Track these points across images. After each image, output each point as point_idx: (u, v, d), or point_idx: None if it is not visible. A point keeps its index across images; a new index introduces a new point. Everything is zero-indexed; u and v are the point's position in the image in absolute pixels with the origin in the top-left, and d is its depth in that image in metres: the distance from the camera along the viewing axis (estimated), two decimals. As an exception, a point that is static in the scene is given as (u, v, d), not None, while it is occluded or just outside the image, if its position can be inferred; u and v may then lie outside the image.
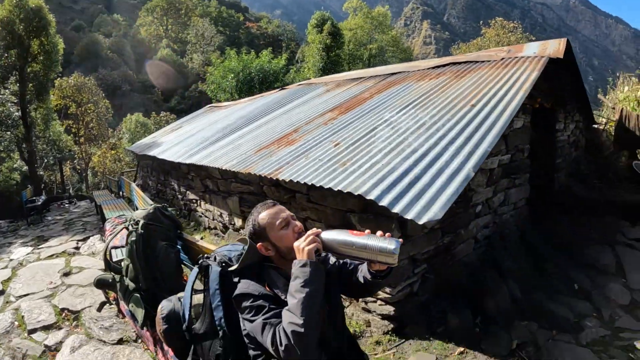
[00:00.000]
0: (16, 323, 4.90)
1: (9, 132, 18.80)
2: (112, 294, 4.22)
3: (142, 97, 54.39)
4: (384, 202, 3.12)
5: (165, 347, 2.44)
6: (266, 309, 1.68)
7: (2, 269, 7.13)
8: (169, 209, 3.82)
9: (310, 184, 3.75)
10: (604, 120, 9.71)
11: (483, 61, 5.67)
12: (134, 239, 3.35)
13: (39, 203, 13.67)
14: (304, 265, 1.65)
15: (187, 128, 11.63)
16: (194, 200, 8.16)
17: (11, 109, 18.95)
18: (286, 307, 1.62)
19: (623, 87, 10.88)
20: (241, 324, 1.78)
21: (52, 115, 23.09)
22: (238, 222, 6.36)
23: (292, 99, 8.47)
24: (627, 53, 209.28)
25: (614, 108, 9.56)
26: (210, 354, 1.89)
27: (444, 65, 6.17)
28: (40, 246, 8.69)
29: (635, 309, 4.67)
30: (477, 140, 3.68)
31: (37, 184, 19.57)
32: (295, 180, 3.92)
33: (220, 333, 1.85)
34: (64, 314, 5.02)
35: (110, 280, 3.72)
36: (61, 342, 4.45)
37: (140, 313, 3.22)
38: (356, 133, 4.57)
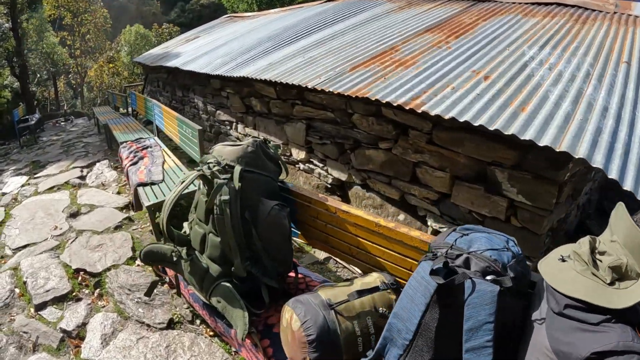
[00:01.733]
0: (17, 291, 3.57)
1: (-3, 46, 17.55)
2: (169, 272, 2.97)
3: (139, 9, 52.20)
4: (612, 173, 2.32)
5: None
6: None
7: (-8, 207, 5.72)
8: (271, 144, 2.43)
9: (493, 128, 2.67)
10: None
11: (593, 10, 5.09)
12: (225, 198, 2.03)
13: (33, 122, 12.33)
14: None
15: (209, 38, 10.20)
16: (226, 122, 6.98)
17: (0, 19, 17.61)
18: None
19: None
20: None
21: (46, 26, 22.55)
22: (298, 154, 5.14)
23: (349, 13, 7.15)
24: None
25: None
26: None
27: (547, 4, 5.38)
28: (37, 175, 7.18)
29: None
30: None
31: (30, 101, 18.50)
32: (461, 119, 2.78)
33: None
34: (80, 278, 3.68)
35: (169, 255, 2.41)
36: (84, 325, 3.17)
37: (241, 319, 2.09)
38: (503, 68, 3.47)
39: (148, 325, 3.11)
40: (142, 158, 5.16)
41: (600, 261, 1.28)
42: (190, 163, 6.03)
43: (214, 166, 2.16)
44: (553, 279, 1.35)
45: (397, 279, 2.14)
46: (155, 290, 3.44)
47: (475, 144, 3.17)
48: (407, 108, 3.06)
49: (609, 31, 4.31)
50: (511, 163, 3.04)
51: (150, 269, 3.75)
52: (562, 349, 1.22)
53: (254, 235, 2.18)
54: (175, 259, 2.38)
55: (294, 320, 1.86)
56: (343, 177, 4.53)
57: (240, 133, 6.53)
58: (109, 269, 3.78)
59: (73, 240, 4.30)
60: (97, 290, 3.53)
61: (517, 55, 3.66)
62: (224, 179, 2.08)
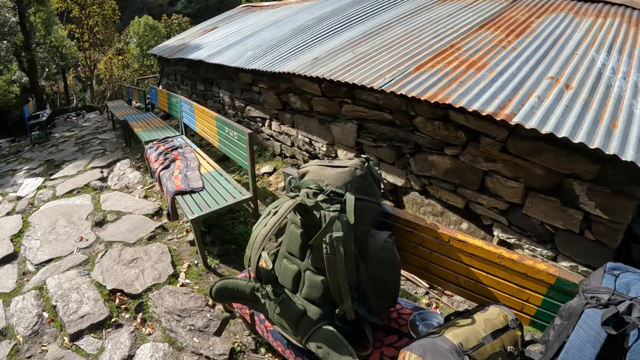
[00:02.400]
0: (46, 315, 3.26)
1: (5, 41, 17.32)
2: (237, 305, 2.60)
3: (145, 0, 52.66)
4: None
5: None
6: None
7: (7, 214, 5.37)
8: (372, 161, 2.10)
9: (594, 147, 2.56)
10: None
11: None
12: (339, 235, 1.72)
13: (44, 118, 12.11)
14: None
15: (230, 29, 9.91)
16: (258, 119, 6.67)
17: (7, 14, 17.23)
18: None
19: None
20: None
21: (54, 19, 22.14)
22: (345, 156, 4.76)
23: (389, 4, 6.79)
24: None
25: None
26: None
27: (594, 2, 5.11)
28: (53, 176, 6.83)
29: None
30: None
31: (40, 96, 18.20)
32: (561, 136, 2.65)
33: None
34: (117, 300, 3.35)
35: (249, 292, 2.10)
36: (131, 358, 2.84)
37: None
38: (580, 75, 3.30)
39: (207, 358, 2.80)
40: (173, 161, 4.82)
41: None
42: (220, 162, 5.69)
43: (317, 194, 1.79)
44: None
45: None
46: (203, 309, 3.13)
47: (553, 154, 3.05)
48: (498, 119, 2.89)
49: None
50: (591, 177, 2.95)
51: (199, 288, 3.42)
52: None
53: (361, 271, 1.90)
54: (261, 299, 2.03)
55: None
56: (399, 182, 4.25)
57: (274, 130, 6.25)
58: (149, 289, 3.46)
59: (103, 254, 3.97)
60: (140, 315, 3.21)
61: (588, 61, 3.50)
62: (333, 210, 1.73)
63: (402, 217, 2.23)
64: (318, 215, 1.80)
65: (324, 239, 1.74)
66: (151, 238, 4.27)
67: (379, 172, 2.14)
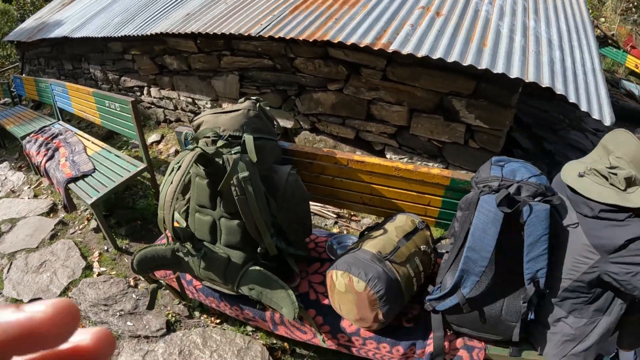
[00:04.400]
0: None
1: None
2: (159, 274, 2.67)
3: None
4: (572, 98, 2.68)
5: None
6: None
7: None
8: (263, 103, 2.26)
9: (467, 64, 2.87)
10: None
11: None
12: (245, 174, 1.86)
13: None
14: None
15: None
16: (135, 88, 6.54)
17: None
18: None
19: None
20: (615, 268, 1.69)
21: None
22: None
23: None
24: None
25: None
26: (503, 314, 1.92)
27: None
28: None
29: None
30: (584, 38, 3.49)
31: None
32: (437, 57, 2.92)
33: (532, 288, 1.82)
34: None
35: (170, 256, 2.18)
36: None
37: (286, 299, 2.01)
38: (450, 3, 3.63)
39: (146, 337, 2.86)
40: (56, 149, 4.66)
41: (615, 174, 1.73)
42: (106, 140, 5.54)
43: (215, 141, 1.91)
44: (586, 191, 1.79)
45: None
46: (133, 295, 3.17)
47: (432, 77, 3.40)
48: (375, 49, 3.10)
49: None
50: (468, 92, 3.35)
51: (117, 272, 3.44)
52: (600, 242, 1.71)
53: (272, 206, 2.07)
54: (184, 258, 2.14)
55: (355, 282, 1.93)
56: (289, 124, 4.47)
57: (155, 97, 6.17)
58: (67, 288, 3.40)
59: (9, 268, 3.78)
60: None
61: None
62: (235, 153, 1.86)
63: (301, 150, 2.43)
64: (221, 162, 1.91)
65: (232, 182, 1.87)
66: (53, 237, 4.15)
67: (269, 109, 2.29)
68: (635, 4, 19.60)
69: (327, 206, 3.86)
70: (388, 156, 3.93)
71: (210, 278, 2.17)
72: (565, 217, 1.88)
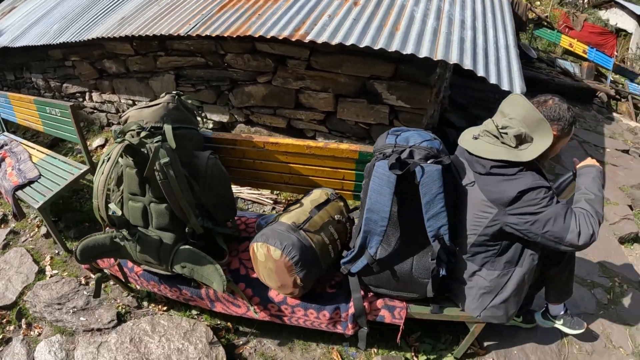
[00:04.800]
0: None
1: None
2: (103, 264, 2.82)
3: None
4: (480, 72, 2.92)
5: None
6: (555, 198, 1.90)
7: None
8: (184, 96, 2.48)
9: (378, 48, 3.10)
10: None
11: None
12: (166, 160, 2.05)
13: None
14: (602, 173, 2.11)
15: (31, 5, 9.08)
16: (77, 94, 6.56)
17: None
18: (588, 196, 1.99)
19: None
20: (513, 219, 1.92)
21: None
22: None
23: None
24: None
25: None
26: (414, 272, 2.12)
27: None
28: None
29: (558, 159, 6.02)
30: (501, 18, 3.75)
31: None
32: (349, 44, 3.14)
33: (438, 244, 1.98)
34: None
35: (109, 243, 2.37)
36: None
37: (214, 273, 2.22)
38: None
39: (99, 330, 3.02)
40: (2, 160, 4.72)
41: (506, 133, 1.92)
42: (51, 148, 5.59)
43: (140, 132, 2.10)
44: (477, 150, 2.00)
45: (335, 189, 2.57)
46: (85, 292, 3.31)
47: (353, 63, 3.63)
48: (293, 40, 3.31)
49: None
50: (388, 75, 3.60)
51: (68, 272, 3.57)
52: (496, 196, 1.93)
53: (196, 189, 2.26)
54: (121, 244, 2.32)
55: (272, 251, 2.12)
56: (225, 119, 4.69)
57: (96, 102, 6.22)
58: (22, 293, 3.49)
59: None
60: (24, 321, 3.25)
61: None
62: (156, 142, 2.06)
63: (221, 137, 2.66)
64: (146, 151, 2.10)
65: (155, 168, 2.07)
66: (5, 246, 4.20)
67: (190, 102, 2.51)
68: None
69: (262, 192, 4.08)
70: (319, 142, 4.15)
71: (146, 260, 2.37)
72: (464, 178, 2.08)
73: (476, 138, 2.04)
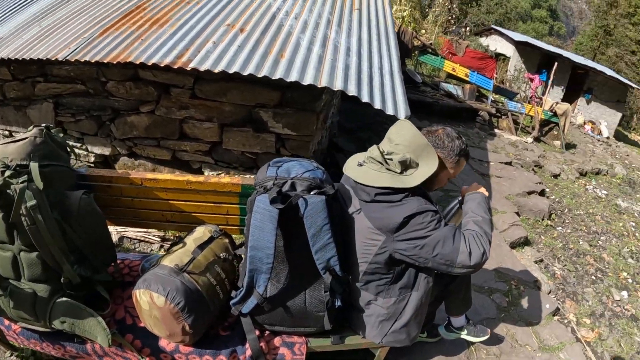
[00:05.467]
0: None
1: None
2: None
3: None
4: (365, 97, 3.05)
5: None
6: (442, 222, 1.96)
7: None
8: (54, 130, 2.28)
9: (261, 75, 3.11)
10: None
11: None
12: (32, 203, 1.85)
13: None
14: (486, 198, 2.23)
15: None
16: None
17: None
18: (476, 218, 2.07)
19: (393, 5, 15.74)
20: (402, 245, 1.93)
21: None
22: None
23: None
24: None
25: (393, 23, 12.29)
26: (308, 306, 2.07)
27: None
28: None
29: None
30: (386, 45, 3.90)
31: None
32: (233, 71, 3.12)
33: (329, 276, 1.95)
34: None
35: None
36: None
37: (97, 327, 2.04)
38: (255, 19, 3.88)
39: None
40: None
41: (391, 159, 1.94)
42: None
43: (4, 171, 1.90)
44: (361, 178, 2.01)
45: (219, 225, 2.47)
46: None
47: (238, 91, 3.66)
48: (175, 67, 3.21)
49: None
50: (274, 103, 3.66)
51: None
52: (382, 223, 1.93)
53: (69, 233, 2.05)
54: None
55: (155, 298, 1.96)
56: (107, 151, 4.42)
57: (-34, 133, 5.62)
58: None
59: None
60: None
61: (265, 7, 4.08)
62: (22, 182, 1.86)
63: (96, 174, 2.45)
64: (11, 193, 1.87)
65: (21, 212, 1.85)
66: None
67: (62, 136, 2.27)
68: (455, 17, 22.13)
69: (149, 230, 3.87)
70: (206, 173, 4.09)
71: (22, 317, 2.09)
72: (350, 206, 2.07)
73: (361, 165, 2.05)
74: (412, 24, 17.42)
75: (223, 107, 3.77)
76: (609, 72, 20.48)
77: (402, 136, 1.98)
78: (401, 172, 1.94)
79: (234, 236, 2.51)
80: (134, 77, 3.89)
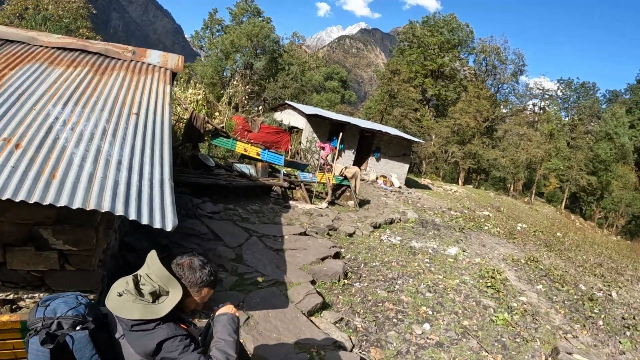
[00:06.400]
0: None
1: None
2: None
3: None
4: (132, 216, 3.25)
5: None
6: (193, 345, 2.21)
7: None
8: None
9: (33, 201, 3.13)
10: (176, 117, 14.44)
11: (114, 57, 6.17)
12: None
13: None
14: (234, 318, 2.46)
15: None
16: None
17: None
18: (219, 343, 2.28)
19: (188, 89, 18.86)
20: None
21: None
22: None
23: None
24: (164, 43, 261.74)
25: (186, 108, 15.87)
26: None
27: (73, 50, 6.03)
28: None
29: (241, 259, 6.79)
30: (159, 152, 4.15)
31: None
32: (5, 198, 3.09)
33: None
34: None
35: None
36: None
37: None
38: (32, 132, 3.83)
39: None
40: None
41: (143, 290, 2.19)
42: None
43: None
44: (117, 310, 2.19)
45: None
46: None
47: (17, 210, 3.59)
48: None
49: (124, 82, 5.17)
50: (52, 220, 3.72)
51: None
52: (141, 349, 2.15)
53: None
54: None
55: None
56: None
57: None
58: None
59: None
60: None
61: (43, 116, 4.08)
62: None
63: None
64: None
65: None
66: None
67: None
68: (254, 93, 23.07)
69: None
70: (-7, 297, 3.86)
71: None
72: (117, 331, 2.27)
73: (120, 295, 2.21)
74: (205, 108, 18.20)
75: (3, 226, 3.69)
76: (393, 131, 23.78)
77: (153, 266, 2.24)
78: (153, 301, 2.18)
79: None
80: None
